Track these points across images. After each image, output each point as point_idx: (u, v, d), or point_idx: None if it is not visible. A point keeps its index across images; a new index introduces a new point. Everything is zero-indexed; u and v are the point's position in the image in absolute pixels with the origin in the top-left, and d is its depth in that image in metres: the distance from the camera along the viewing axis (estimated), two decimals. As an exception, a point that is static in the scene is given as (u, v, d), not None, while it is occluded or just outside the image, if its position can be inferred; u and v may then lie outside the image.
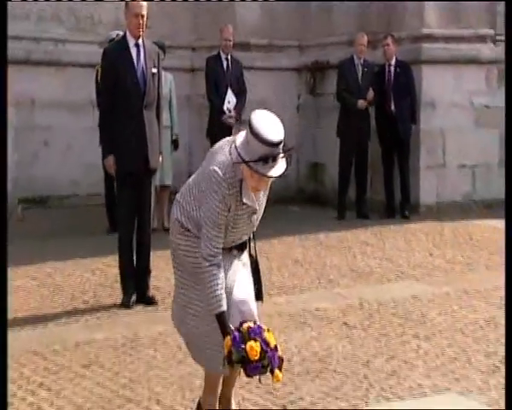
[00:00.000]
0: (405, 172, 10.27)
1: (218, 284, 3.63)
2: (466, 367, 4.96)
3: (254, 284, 3.93)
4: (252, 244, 3.99)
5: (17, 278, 7.07)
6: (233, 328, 3.59)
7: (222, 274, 3.66)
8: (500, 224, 9.76)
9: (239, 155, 3.50)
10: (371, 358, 5.11)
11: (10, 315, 5.96)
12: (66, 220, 9.79)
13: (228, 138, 3.80)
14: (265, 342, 3.51)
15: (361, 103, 10.08)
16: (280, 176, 3.54)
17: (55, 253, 7.88)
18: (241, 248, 3.91)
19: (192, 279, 3.82)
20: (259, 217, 3.90)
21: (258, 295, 3.95)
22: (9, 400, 4.37)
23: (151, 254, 6.46)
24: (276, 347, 3.55)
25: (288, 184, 11.62)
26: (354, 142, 10.21)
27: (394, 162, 10.33)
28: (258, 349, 3.47)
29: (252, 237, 3.96)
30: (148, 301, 6.29)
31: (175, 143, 9.37)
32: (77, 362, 5.01)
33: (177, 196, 3.91)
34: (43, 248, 8.16)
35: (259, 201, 3.80)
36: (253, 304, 3.87)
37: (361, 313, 6.11)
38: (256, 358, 3.45)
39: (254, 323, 3.63)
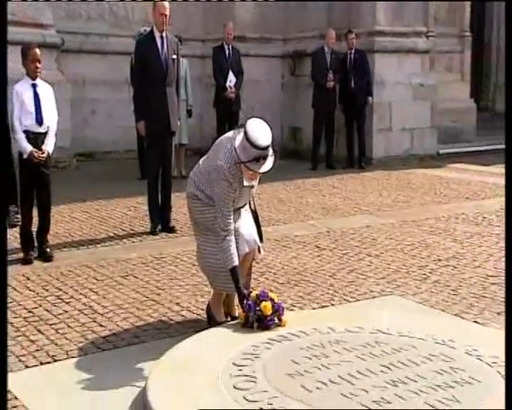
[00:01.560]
0: (362, 134, 10.21)
1: (231, 246, 3.73)
2: (405, 277, 5.00)
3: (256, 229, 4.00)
4: (252, 202, 4.04)
5: (74, 211, 7.07)
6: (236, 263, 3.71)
7: (234, 238, 3.75)
8: (430, 172, 9.80)
9: (238, 157, 3.60)
10: (336, 271, 5.13)
11: (68, 239, 6.04)
12: (109, 170, 9.72)
13: (228, 135, 3.84)
14: (272, 300, 3.58)
15: (329, 79, 9.96)
16: (269, 171, 3.64)
17: (101, 193, 7.84)
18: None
19: (206, 232, 3.87)
20: (256, 187, 3.96)
21: (260, 237, 4.02)
22: (68, 300, 4.42)
23: (172, 195, 6.43)
24: (279, 301, 3.63)
25: (274, 143, 11.56)
26: (324, 111, 10.10)
27: (354, 126, 10.26)
28: (270, 306, 3.53)
29: (252, 197, 4.02)
30: (169, 229, 6.27)
31: (189, 112, 9.25)
32: (117, 274, 5.03)
33: (191, 174, 3.98)
34: (93, 189, 8.12)
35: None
36: (255, 235, 3.96)
37: (328, 238, 6.12)
38: (269, 313, 3.52)
39: (251, 291, 3.75)
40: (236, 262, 3.73)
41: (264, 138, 3.58)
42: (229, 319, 3.97)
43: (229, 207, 3.73)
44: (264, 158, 3.59)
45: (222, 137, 3.89)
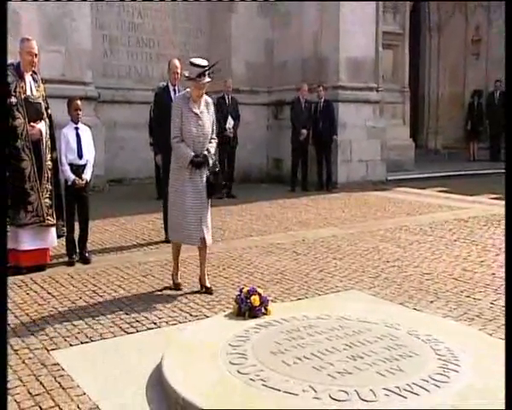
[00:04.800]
0: (329, 164, 10.24)
1: (181, 147, 4.21)
2: (362, 275, 5.00)
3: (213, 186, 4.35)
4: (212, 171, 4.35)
5: (106, 224, 7.04)
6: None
7: (184, 144, 4.21)
8: (380, 194, 9.85)
9: (188, 77, 4.17)
10: (309, 271, 5.13)
11: (102, 246, 6.00)
12: (133, 192, 9.70)
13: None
14: (260, 294, 3.60)
15: (303, 132, 10.04)
16: (208, 82, 4.20)
17: (127, 210, 7.83)
18: (202, 168, 4.27)
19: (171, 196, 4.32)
20: (207, 133, 4.29)
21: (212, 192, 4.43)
22: (101, 294, 4.40)
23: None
24: (265, 295, 3.67)
25: (261, 170, 11.66)
26: (300, 146, 10.15)
27: (323, 158, 10.30)
28: (258, 299, 3.56)
29: (208, 162, 4.29)
30: (181, 238, 6.25)
31: (196, 147, 9.26)
32: (139, 274, 5.01)
33: None
34: (120, 207, 8.11)
35: (203, 115, 4.27)
36: (208, 230, 4.36)
37: (304, 245, 6.12)
38: (258, 304, 3.54)
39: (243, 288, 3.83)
40: (192, 153, 4.18)
41: (201, 60, 4.24)
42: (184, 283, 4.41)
43: (177, 127, 4.20)
44: (204, 75, 4.16)
45: None
